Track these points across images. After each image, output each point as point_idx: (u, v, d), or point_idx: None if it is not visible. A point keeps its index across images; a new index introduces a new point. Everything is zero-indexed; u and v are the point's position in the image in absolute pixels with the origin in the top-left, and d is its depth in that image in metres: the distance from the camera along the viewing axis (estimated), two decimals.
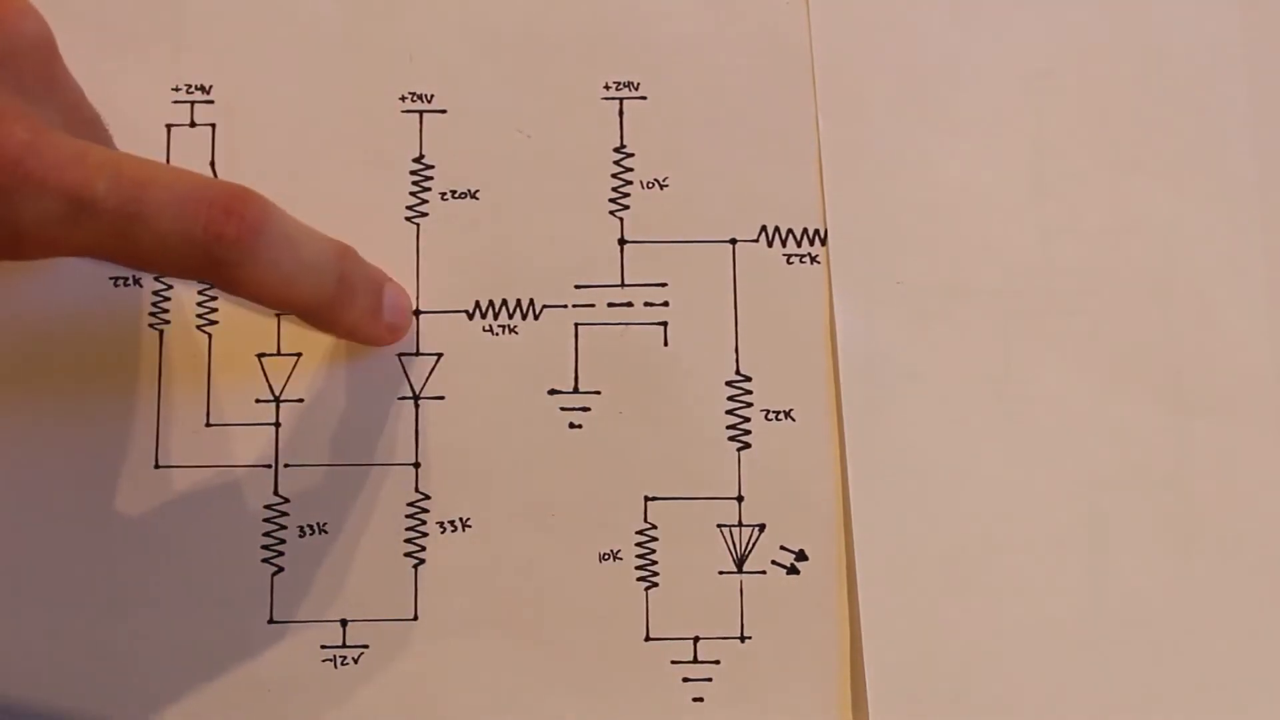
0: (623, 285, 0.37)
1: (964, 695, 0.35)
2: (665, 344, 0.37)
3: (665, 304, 0.37)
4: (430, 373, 0.37)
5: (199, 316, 0.37)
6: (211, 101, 0.37)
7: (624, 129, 0.38)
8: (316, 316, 0.33)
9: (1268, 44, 0.38)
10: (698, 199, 0.38)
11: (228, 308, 0.37)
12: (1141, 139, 0.38)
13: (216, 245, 0.29)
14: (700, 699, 0.35)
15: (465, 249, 0.37)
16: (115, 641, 0.35)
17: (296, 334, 0.36)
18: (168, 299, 0.37)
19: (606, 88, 0.38)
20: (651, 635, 0.36)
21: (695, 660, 0.35)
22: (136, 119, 0.37)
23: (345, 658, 0.35)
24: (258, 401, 0.36)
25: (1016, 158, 0.38)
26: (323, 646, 0.35)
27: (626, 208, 0.37)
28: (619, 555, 0.36)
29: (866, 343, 0.37)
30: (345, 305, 0.33)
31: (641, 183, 0.38)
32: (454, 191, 0.37)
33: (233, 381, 0.36)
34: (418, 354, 0.37)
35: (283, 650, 0.35)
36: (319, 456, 0.36)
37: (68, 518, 0.36)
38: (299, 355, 0.37)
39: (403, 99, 0.38)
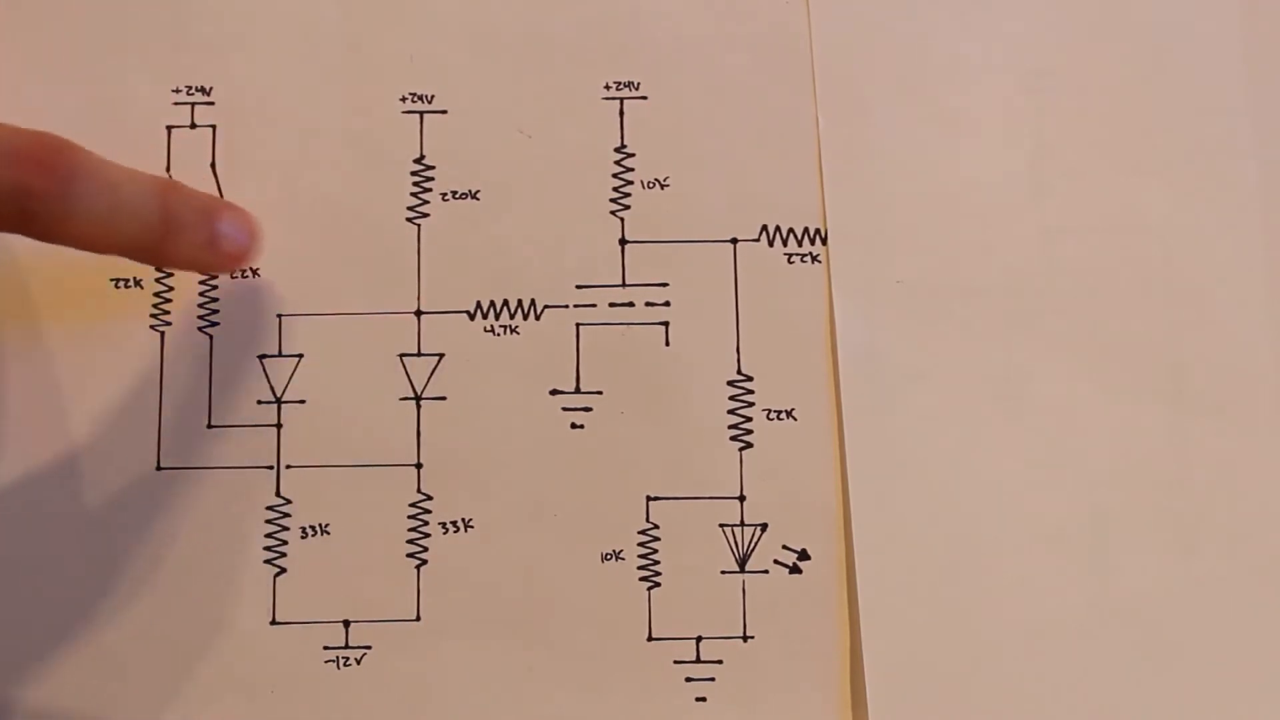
0: (624, 285, 0.37)
1: (964, 695, 0.35)
2: (667, 344, 0.37)
3: (666, 304, 0.37)
4: (432, 373, 0.37)
5: (200, 318, 0.37)
6: (212, 102, 0.37)
7: (624, 129, 0.38)
8: (143, 256, 0.31)
9: (1268, 44, 0.38)
10: (698, 199, 0.38)
11: (229, 309, 0.37)
12: (1141, 139, 0.38)
13: (29, 200, 0.27)
14: (703, 699, 0.35)
15: (466, 249, 0.37)
16: (116, 642, 0.35)
17: (298, 335, 0.37)
18: (169, 300, 0.37)
19: (607, 88, 0.38)
20: (654, 635, 0.36)
21: (698, 660, 0.36)
22: (136, 119, 0.37)
23: (348, 658, 0.35)
24: (259, 403, 0.36)
25: (1016, 157, 0.38)
26: (325, 647, 0.35)
27: (627, 208, 0.38)
28: (621, 555, 0.36)
29: (867, 342, 0.37)
30: (172, 241, 0.31)
31: (642, 183, 0.38)
32: (455, 192, 0.37)
33: (234, 383, 0.36)
34: (419, 354, 0.37)
35: (285, 651, 0.35)
36: (321, 457, 0.36)
37: (69, 519, 0.36)
38: (300, 356, 0.37)
39: (403, 99, 0.38)
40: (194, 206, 0.32)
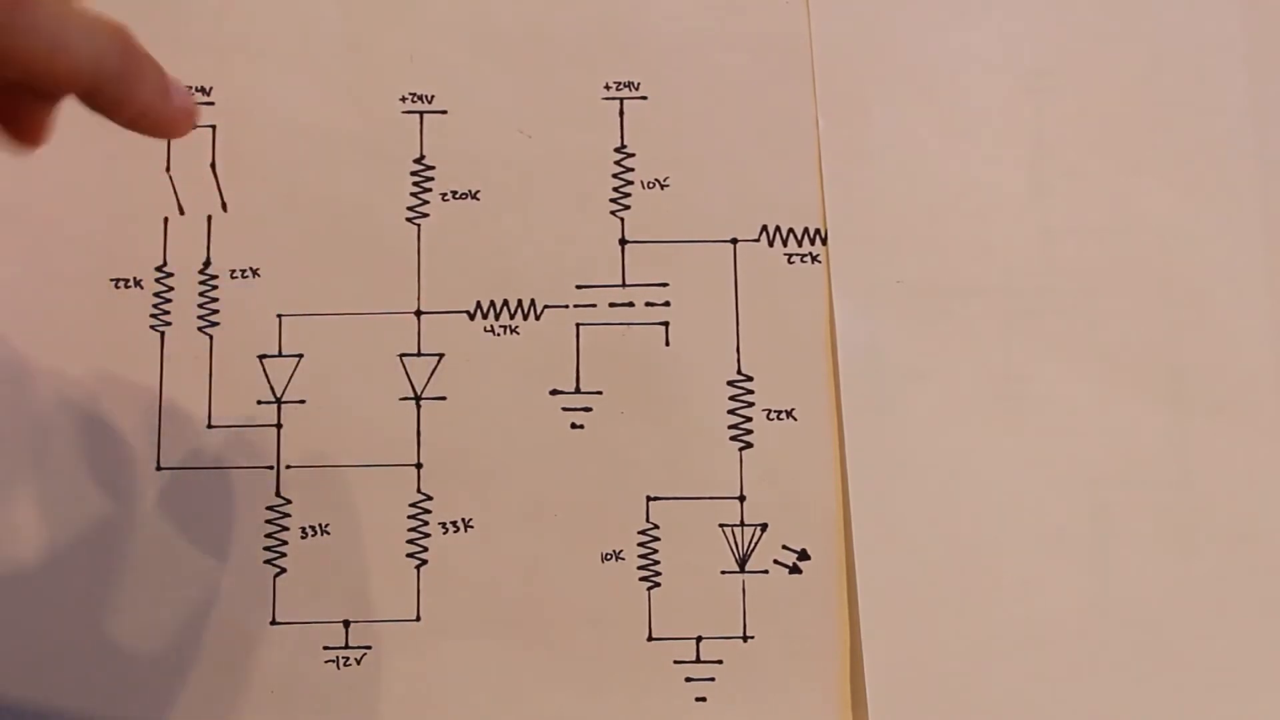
0: (624, 285, 0.37)
1: (964, 695, 0.35)
2: (666, 344, 0.37)
3: (666, 304, 0.37)
4: (432, 373, 0.37)
5: (200, 318, 0.37)
6: (212, 102, 0.37)
7: (624, 129, 0.38)
8: (105, 91, 0.29)
9: (1268, 44, 0.38)
10: (698, 199, 0.38)
11: (229, 310, 0.37)
12: (1141, 139, 0.38)
13: None
14: (703, 699, 0.35)
15: (466, 249, 0.37)
16: (117, 642, 0.35)
17: (298, 335, 0.37)
18: (169, 300, 0.37)
19: (607, 88, 0.38)
20: (654, 635, 0.36)
21: (698, 660, 0.36)
22: None
23: (348, 658, 0.35)
24: (259, 403, 0.36)
25: (1016, 157, 0.38)
26: (325, 647, 0.35)
27: (627, 208, 0.38)
28: (621, 555, 0.36)
29: (866, 342, 0.37)
30: (135, 80, 0.29)
31: (642, 183, 0.38)
32: (455, 192, 0.37)
33: (234, 383, 0.36)
34: (419, 354, 0.37)
35: (285, 651, 0.35)
36: (321, 457, 0.36)
37: (69, 519, 0.36)
38: (300, 356, 0.37)
39: (403, 99, 0.38)
40: (147, 54, 0.30)
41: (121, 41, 0.29)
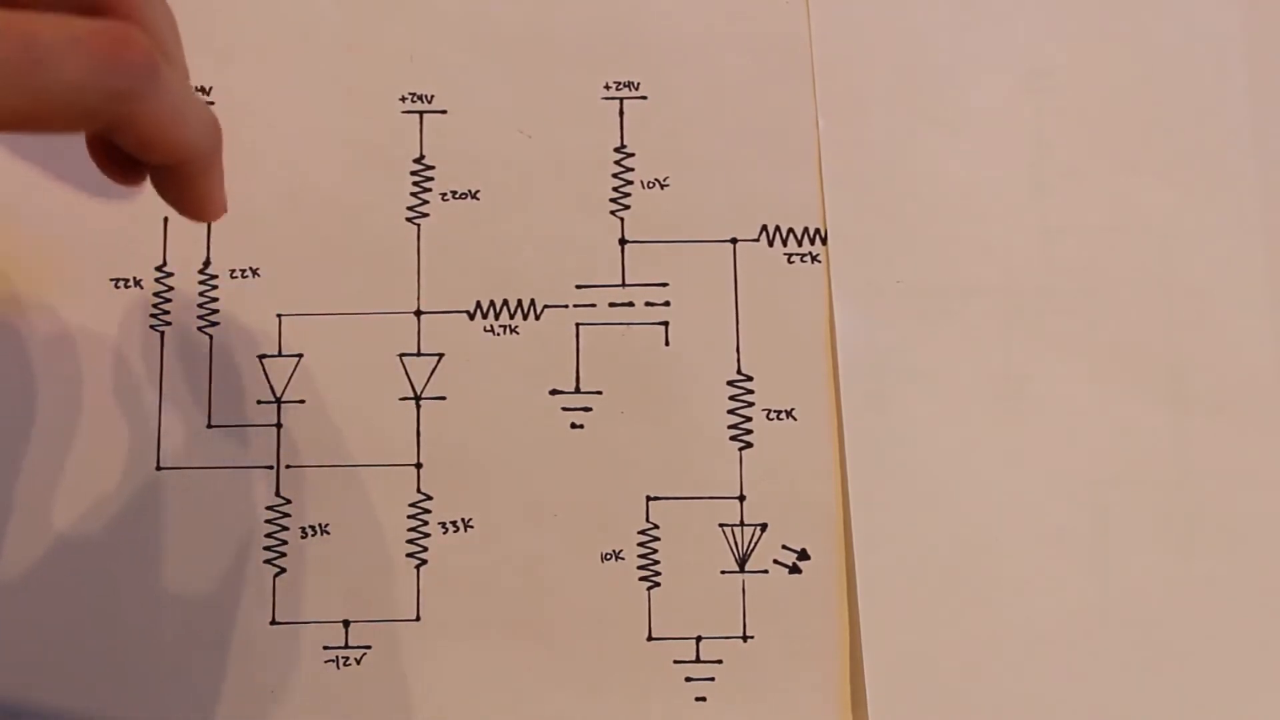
0: (624, 285, 0.37)
1: (963, 695, 0.35)
2: (666, 344, 0.37)
3: (666, 304, 0.37)
4: (431, 373, 0.37)
5: (200, 318, 0.37)
6: (212, 102, 0.37)
7: (624, 129, 0.38)
8: (186, 169, 0.29)
9: (1268, 44, 0.38)
10: (698, 199, 0.38)
11: (229, 309, 0.37)
12: (1141, 139, 0.38)
13: (121, 76, 0.26)
14: (703, 699, 0.35)
15: (466, 249, 0.37)
16: (116, 642, 0.35)
17: (298, 335, 0.37)
18: (169, 300, 0.37)
19: (606, 88, 0.38)
20: (654, 635, 0.36)
21: (698, 660, 0.36)
22: None
23: (348, 658, 0.35)
24: (259, 402, 0.36)
25: (1017, 157, 0.38)
26: (325, 647, 0.35)
27: (627, 208, 0.38)
28: (621, 555, 0.36)
29: (866, 342, 0.37)
30: (213, 165, 0.30)
31: (642, 183, 0.38)
32: (454, 192, 0.37)
33: (234, 383, 0.36)
34: (419, 354, 0.37)
35: (285, 651, 0.35)
36: (320, 457, 0.36)
37: (68, 519, 0.36)
38: (300, 356, 0.37)
39: (403, 99, 0.38)
40: None
41: (217, 129, 0.30)
